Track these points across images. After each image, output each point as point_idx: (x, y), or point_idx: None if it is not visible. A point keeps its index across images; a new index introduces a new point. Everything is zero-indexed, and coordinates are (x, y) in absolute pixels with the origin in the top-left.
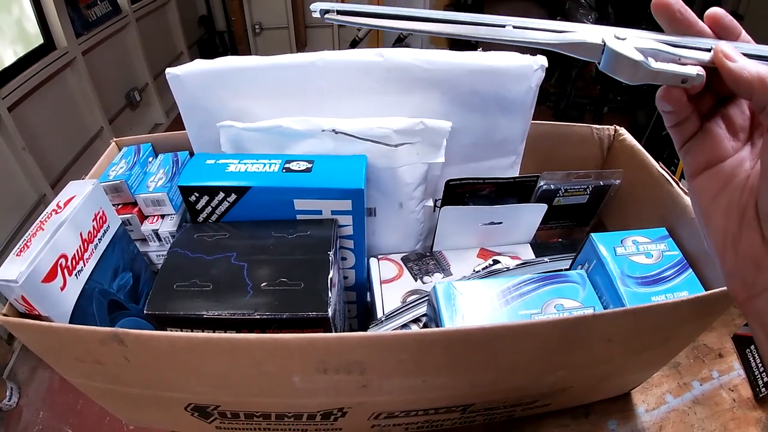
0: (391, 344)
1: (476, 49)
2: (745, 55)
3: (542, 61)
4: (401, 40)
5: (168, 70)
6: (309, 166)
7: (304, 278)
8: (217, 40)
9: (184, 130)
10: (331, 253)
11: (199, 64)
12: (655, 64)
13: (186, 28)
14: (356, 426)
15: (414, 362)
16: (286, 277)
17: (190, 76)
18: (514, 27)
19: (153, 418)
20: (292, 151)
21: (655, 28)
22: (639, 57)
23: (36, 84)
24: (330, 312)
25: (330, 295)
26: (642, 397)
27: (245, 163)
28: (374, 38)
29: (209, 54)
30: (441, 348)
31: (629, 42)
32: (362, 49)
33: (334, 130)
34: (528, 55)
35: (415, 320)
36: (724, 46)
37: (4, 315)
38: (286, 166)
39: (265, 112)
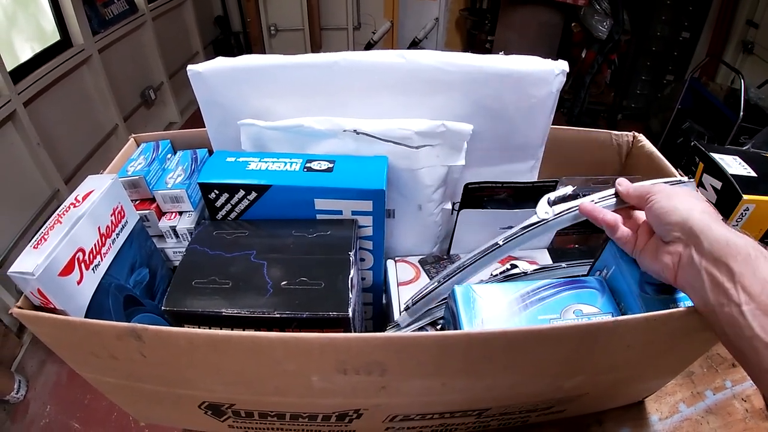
0: (413, 346)
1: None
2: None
3: (563, 65)
4: (416, 44)
5: (189, 67)
6: (330, 165)
7: (324, 278)
8: (233, 40)
9: (199, 128)
10: (351, 254)
11: (221, 62)
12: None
13: (202, 29)
14: (370, 428)
15: (434, 364)
16: (306, 276)
17: (212, 74)
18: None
19: (165, 416)
20: (312, 151)
21: (670, 29)
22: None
23: (52, 80)
24: (350, 312)
25: (350, 295)
26: (655, 405)
27: (266, 162)
28: (389, 42)
29: (224, 54)
30: (462, 351)
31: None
32: (385, 50)
33: (355, 131)
34: (550, 59)
35: (432, 323)
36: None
37: (19, 307)
38: (308, 165)
39: (285, 110)
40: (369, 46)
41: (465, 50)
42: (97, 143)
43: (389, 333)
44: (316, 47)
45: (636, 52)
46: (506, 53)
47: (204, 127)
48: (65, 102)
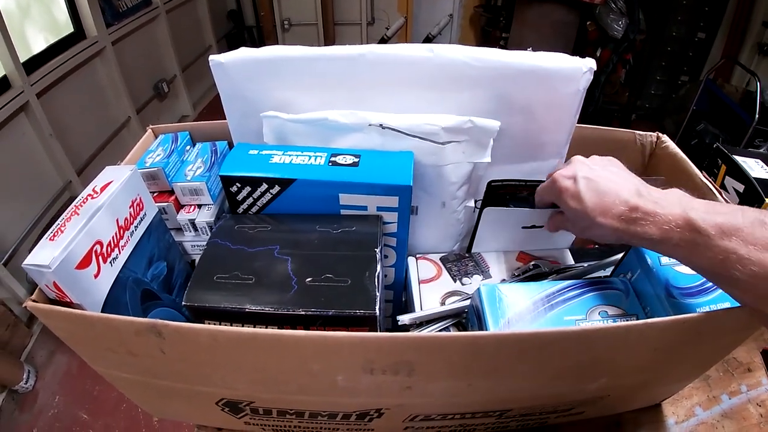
0: (444, 345)
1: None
2: None
3: (591, 63)
4: (429, 40)
5: (211, 57)
6: (356, 160)
7: (350, 275)
8: (246, 34)
9: (216, 120)
10: (377, 250)
11: (244, 53)
12: None
13: (215, 22)
14: (389, 428)
15: (463, 365)
16: (331, 273)
17: (235, 64)
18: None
19: (180, 412)
20: (337, 145)
21: (686, 30)
22: None
23: (65, 72)
24: (378, 310)
25: (378, 293)
26: (672, 408)
27: (290, 155)
28: (402, 38)
29: (238, 48)
30: (492, 351)
31: None
32: (412, 44)
33: (381, 125)
34: (577, 57)
35: (456, 323)
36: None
37: (34, 301)
38: (332, 159)
39: (309, 103)
40: (382, 42)
41: (479, 44)
42: (110, 135)
43: (419, 333)
44: (329, 42)
45: (651, 52)
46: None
47: (221, 119)
48: (78, 94)
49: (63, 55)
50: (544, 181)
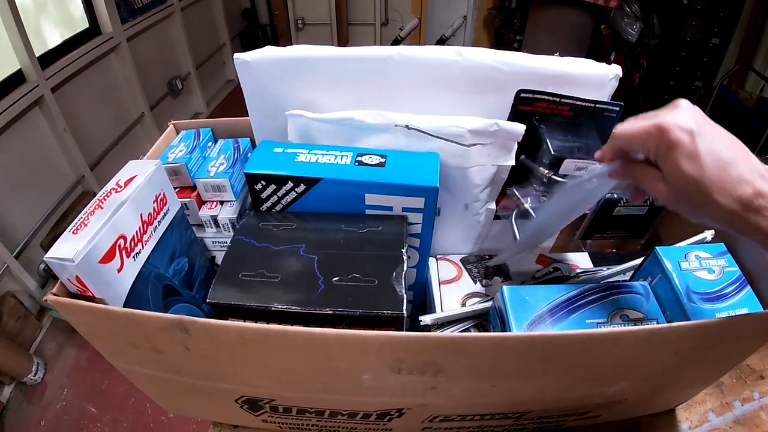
0: (471, 346)
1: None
2: None
3: (617, 70)
4: (443, 41)
5: (236, 55)
6: (382, 160)
7: (377, 275)
8: (260, 33)
9: (233, 118)
10: (404, 251)
11: (270, 51)
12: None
13: (229, 20)
14: (407, 428)
15: (489, 366)
16: (358, 272)
17: (260, 63)
18: None
19: (198, 408)
20: (362, 145)
21: (700, 35)
22: None
23: (80, 67)
24: (405, 311)
25: (405, 293)
26: (686, 414)
27: (315, 154)
28: (416, 39)
29: (251, 47)
30: (519, 353)
31: None
32: (440, 47)
33: (407, 126)
34: (603, 63)
35: (477, 324)
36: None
37: (55, 294)
38: (359, 159)
39: (334, 103)
40: (396, 43)
41: (492, 45)
42: (123, 131)
43: (448, 333)
44: (343, 42)
45: (665, 56)
46: (534, 53)
47: (235, 116)
48: (92, 89)
49: (78, 50)
50: (586, 101)
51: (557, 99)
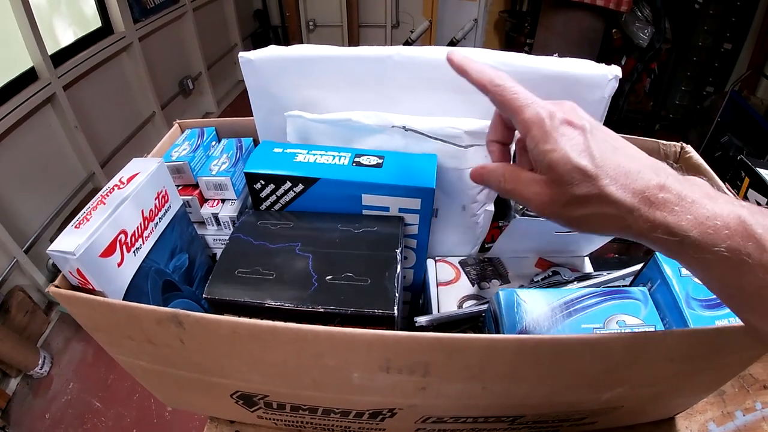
0: (462, 347)
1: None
2: None
3: (617, 71)
4: (454, 44)
5: (241, 54)
6: (380, 161)
7: (370, 274)
8: (271, 34)
9: (237, 118)
10: (398, 251)
11: (273, 50)
12: None
13: (241, 21)
14: (400, 428)
15: (479, 367)
16: (352, 271)
17: (264, 62)
18: None
19: (194, 403)
20: (359, 146)
21: (712, 40)
22: None
23: (92, 66)
24: (396, 311)
25: (397, 293)
26: (685, 423)
27: (314, 154)
28: (427, 41)
29: (262, 47)
30: (510, 355)
31: None
32: (439, 47)
33: (404, 127)
34: (603, 64)
35: (472, 326)
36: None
37: (56, 287)
38: (356, 159)
39: (335, 102)
40: (407, 45)
41: (503, 48)
42: (134, 130)
43: (438, 333)
44: (353, 43)
45: (676, 61)
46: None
47: (245, 116)
48: (104, 87)
49: (90, 49)
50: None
51: None
